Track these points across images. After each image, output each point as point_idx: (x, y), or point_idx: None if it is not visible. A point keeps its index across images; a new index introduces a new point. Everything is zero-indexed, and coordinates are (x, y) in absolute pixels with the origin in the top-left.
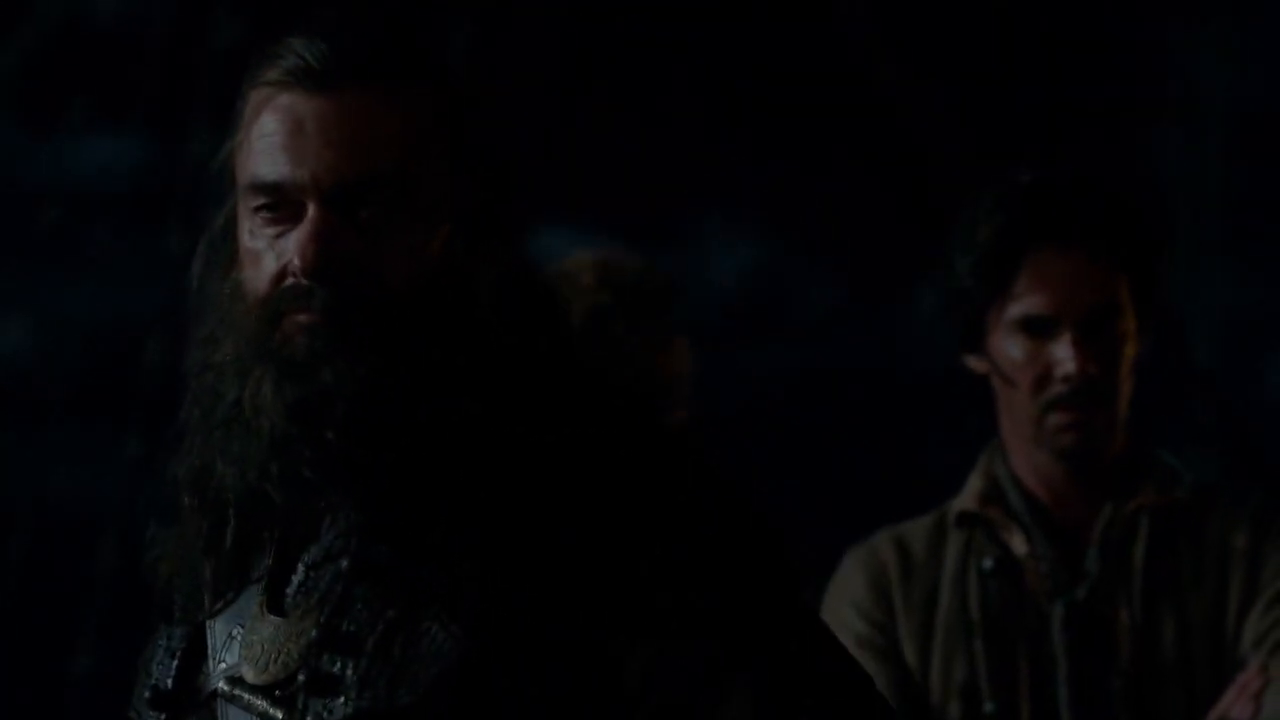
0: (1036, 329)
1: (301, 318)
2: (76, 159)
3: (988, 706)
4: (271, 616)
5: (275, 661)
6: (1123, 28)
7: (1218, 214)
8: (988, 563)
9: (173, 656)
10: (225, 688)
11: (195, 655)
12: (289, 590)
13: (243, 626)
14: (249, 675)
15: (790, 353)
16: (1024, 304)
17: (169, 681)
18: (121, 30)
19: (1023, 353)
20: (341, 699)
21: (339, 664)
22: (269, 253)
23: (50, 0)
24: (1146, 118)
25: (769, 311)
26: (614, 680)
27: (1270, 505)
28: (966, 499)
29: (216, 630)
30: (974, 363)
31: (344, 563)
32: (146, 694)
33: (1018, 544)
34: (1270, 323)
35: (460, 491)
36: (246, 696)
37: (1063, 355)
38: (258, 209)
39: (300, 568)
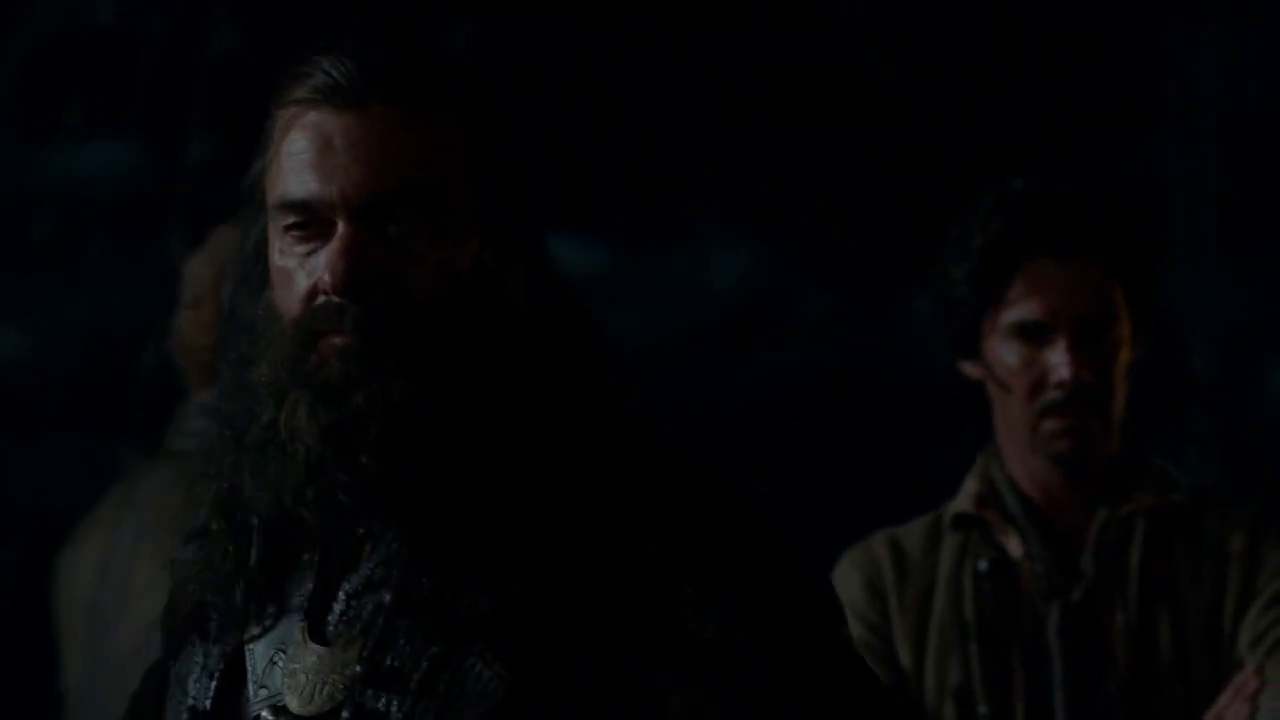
0: (1031, 335)
1: (337, 340)
2: (74, 163)
3: (983, 709)
4: (314, 645)
5: (320, 693)
6: (1123, 28)
7: (1216, 216)
8: (983, 564)
9: (211, 677)
10: (269, 717)
11: (233, 676)
12: (330, 618)
13: (284, 652)
14: (293, 705)
15: (790, 354)
16: (1019, 310)
17: (207, 702)
18: (119, 34)
19: (1018, 358)
20: None
21: (383, 700)
22: (300, 271)
23: (48, 4)
24: (1146, 118)
25: (768, 313)
26: (658, 715)
27: (1267, 509)
28: (963, 501)
29: (257, 654)
30: (969, 368)
31: (386, 595)
32: (185, 715)
33: (1014, 546)
34: (1269, 327)
35: (498, 515)
36: None
37: (1057, 361)
38: (288, 228)
39: (341, 595)
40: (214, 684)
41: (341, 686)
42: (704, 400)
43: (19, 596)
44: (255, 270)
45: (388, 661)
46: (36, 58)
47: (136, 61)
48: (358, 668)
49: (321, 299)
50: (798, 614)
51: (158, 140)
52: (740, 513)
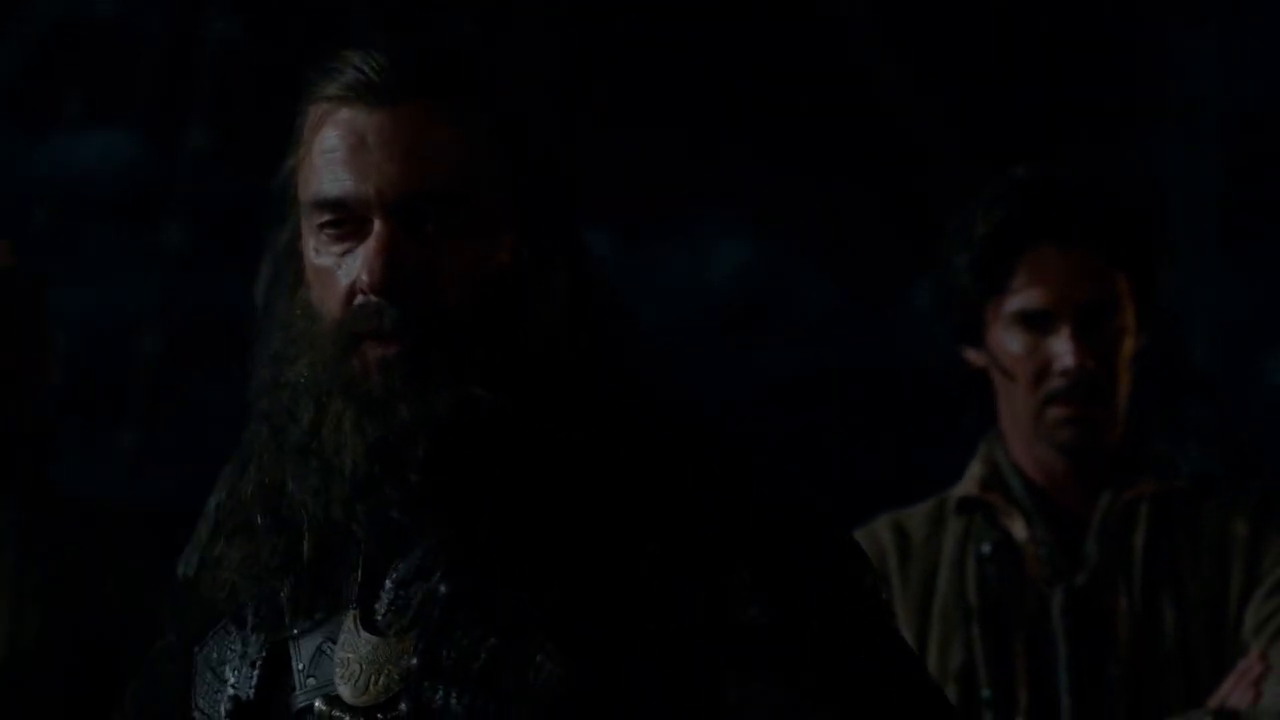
0: (1034, 323)
1: (378, 351)
2: (73, 155)
3: (985, 693)
4: (366, 634)
5: (375, 684)
6: (1123, 28)
7: (1216, 214)
8: (986, 547)
9: (253, 666)
10: (323, 707)
11: (275, 665)
12: (378, 607)
13: (333, 642)
14: (346, 694)
15: (790, 352)
16: (1022, 298)
17: (251, 691)
18: (117, 27)
19: (1021, 347)
20: None
21: (441, 693)
22: (337, 270)
23: None
24: (1146, 118)
25: (768, 311)
26: (712, 708)
27: (1271, 495)
28: (967, 485)
29: (303, 644)
30: (972, 356)
31: (440, 586)
32: (227, 704)
33: (1018, 529)
34: (1268, 323)
35: (548, 513)
36: (346, 718)
37: (1061, 349)
38: (323, 226)
39: (388, 584)
40: (256, 673)
41: (397, 678)
42: (703, 398)
43: None
44: (288, 266)
45: (445, 654)
46: (36, 50)
47: (136, 54)
48: (414, 660)
49: (360, 299)
50: (851, 609)
51: (156, 132)
52: (793, 502)
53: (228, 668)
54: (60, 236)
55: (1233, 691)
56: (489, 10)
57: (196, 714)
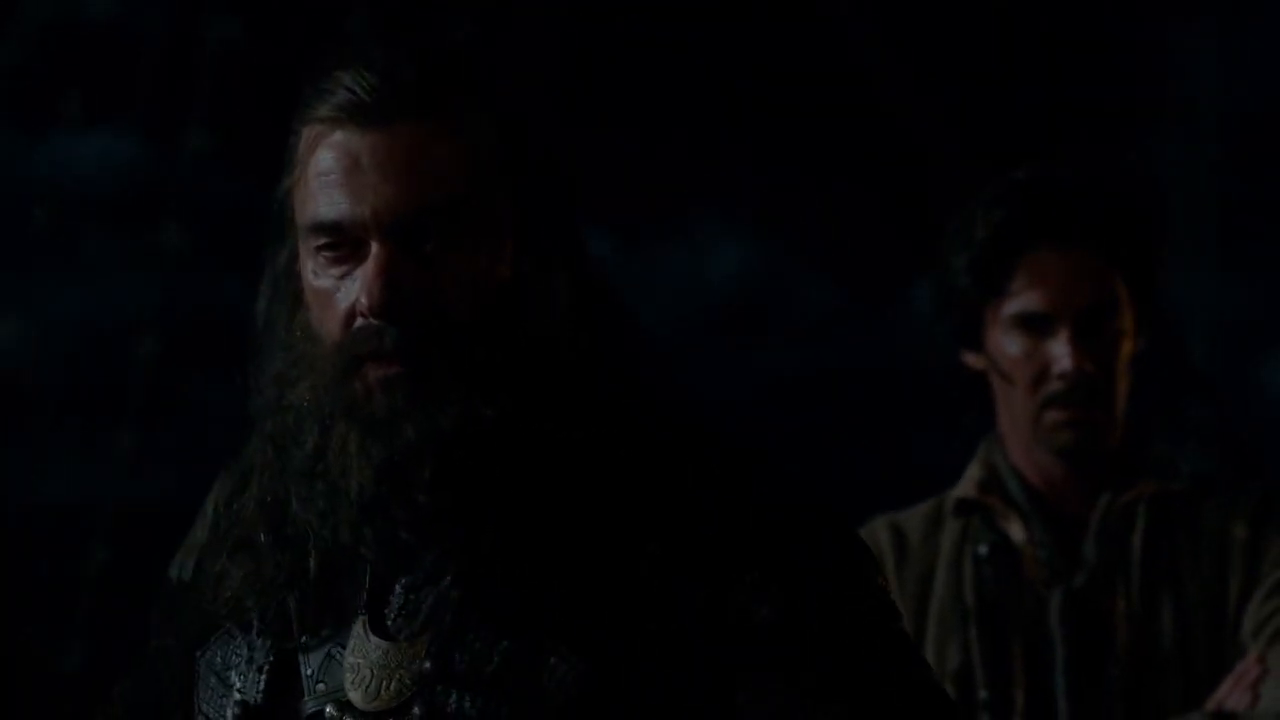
0: (1033, 326)
1: (379, 371)
2: (72, 156)
3: (982, 694)
4: (376, 639)
5: (386, 689)
6: (1123, 28)
7: (1215, 214)
8: (983, 549)
9: (260, 671)
10: (334, 713)
11: (283, 671)
12: (388, 611)
13: (343, 647)
14: (357, 700)
15: (789, 353)
16: (1021, 301)
17: (259, 697)
18: (115, 28)
19: (1020, 350)
20: None
21: (455, 697)
22: (336, 293)
23: None
24: (1146, 118)
25: (768, 311)
26: (722, 708)
27: (1270, 496)
28: (965, 486)
29: (311, 651)
30: (972, 360)
31: (452, 591)
32: (234, 709)
33: (1016, 531)
34: (1267, 324)
35: (551, 514)
36: None
37: (1060, 353)
38: (320, 248)
39: (398, 589)
40: (264, 678)
41: (409, 682)
42: (703, 398)
43: (11, 595)
44: (287, 287)
45: (458, 658)
46: (35, 50)
47: (136, 54)
48: (427, 664)
49: (360, 321)
50: (855, 608)
51: (156, 133)
52: (795, 501)
53: (233, 673)
54: (60, 236)
55: (1231, 694)
56: (488, 10)
57: (200, 719)
